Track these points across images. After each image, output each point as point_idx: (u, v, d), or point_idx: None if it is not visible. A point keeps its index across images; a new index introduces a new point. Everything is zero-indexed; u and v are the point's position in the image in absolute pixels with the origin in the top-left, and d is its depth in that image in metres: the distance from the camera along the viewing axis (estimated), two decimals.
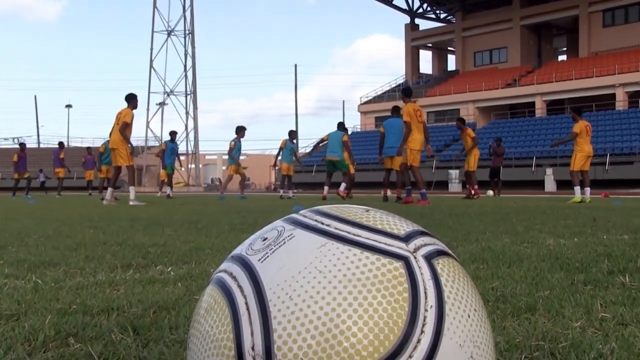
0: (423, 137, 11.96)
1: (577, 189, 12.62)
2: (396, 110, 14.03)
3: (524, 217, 6.66)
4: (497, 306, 1.87)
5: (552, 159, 33.40)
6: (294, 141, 18.01)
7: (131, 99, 12.68)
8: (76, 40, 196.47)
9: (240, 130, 17.79)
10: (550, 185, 31.27)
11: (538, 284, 2.24)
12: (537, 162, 33.62)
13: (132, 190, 12.60)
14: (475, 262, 2.88)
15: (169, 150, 19.36)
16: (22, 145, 23.79)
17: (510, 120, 43.86)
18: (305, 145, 63.60)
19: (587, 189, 12.68)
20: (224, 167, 63.52)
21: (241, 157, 18.25)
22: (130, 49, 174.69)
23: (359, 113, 54.76)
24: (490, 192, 15.27)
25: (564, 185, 28.19)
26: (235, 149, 17.53)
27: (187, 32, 55.41)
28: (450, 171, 35.36)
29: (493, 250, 3.31)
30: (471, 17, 53.71)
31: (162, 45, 55.49)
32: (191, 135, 55.86)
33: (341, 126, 16.45)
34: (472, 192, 16.19)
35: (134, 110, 12.60)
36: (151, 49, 54.84)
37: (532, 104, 44.25)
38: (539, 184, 31.80)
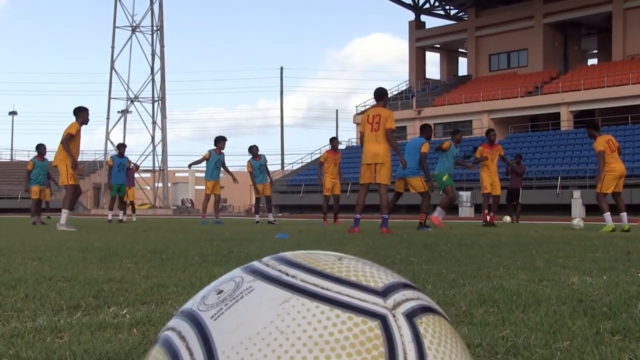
0: (376, 149, 11.25)
1: (608, 215, 12.57)
2: (424, 129, 13.77)
3: (545, 248, 6.68)
4: (506, 359, 1.87)
5: (580, 180, 33.58)
6: (260, 155, 17.94)
7: (79, 113, 12.64)
8: (22, 35, 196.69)
9: (219, 141, 17.84)
10: (578, 210, 31.40)
11: (556, 333, 2.24)
12: (563, 183, 33.78)
13: (64, 214, 12.53)
14: (484, 304, 2.89)
15: (116, 167, 19.24)
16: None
17: (532, 134, 44.15)
18: (292, 161, 63.66)
19: (624, 214, 12.64)
20: (196, 187, 63.45)
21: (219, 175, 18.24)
22: (88, 48, 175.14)
23: (355, 124, 54.92)
24: (507, 218, 15.33)
25: (594, 210, 28.25)
26: (210, 161, 17.53)
27: (154, 28, 55.57)
28: (462, 193, 35.45)
29: (506, 290, 3.32)
30: (486, 13, 54.22)
31: (126, 43, 55.50)
32: (159, 149, 55.67)
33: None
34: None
35: (84, 126, 12.69)
36: (112, 47, 54.82)
37: (557, 115, 44.56)
38: (565, 209, 31.92)
